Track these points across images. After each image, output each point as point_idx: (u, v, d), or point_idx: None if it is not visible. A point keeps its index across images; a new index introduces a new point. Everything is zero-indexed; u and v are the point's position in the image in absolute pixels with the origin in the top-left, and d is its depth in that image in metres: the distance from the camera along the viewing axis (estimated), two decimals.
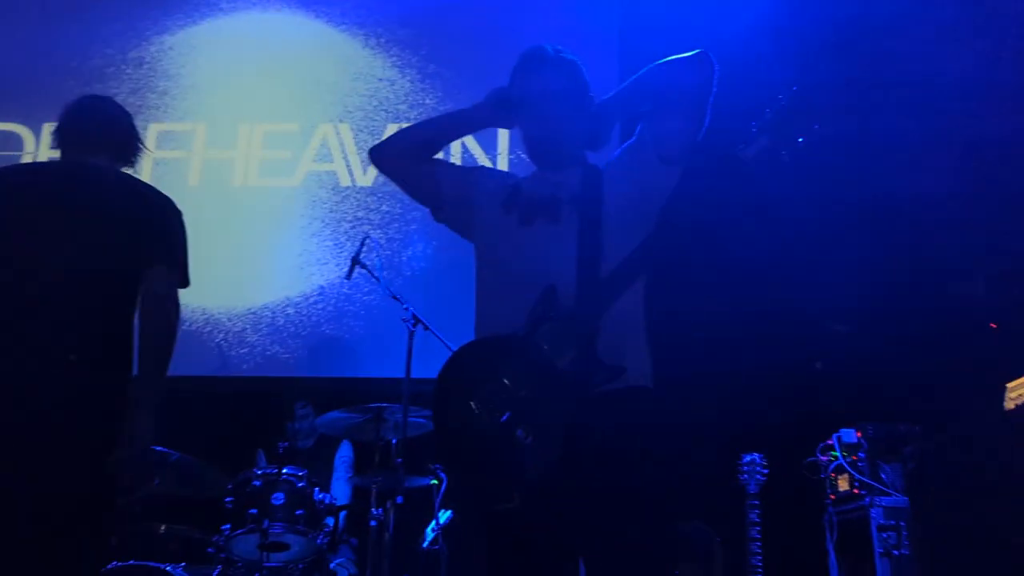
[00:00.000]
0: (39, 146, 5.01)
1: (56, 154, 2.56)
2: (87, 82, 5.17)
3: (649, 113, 2.07)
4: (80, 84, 5.16)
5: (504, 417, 1.79)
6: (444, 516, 3.79)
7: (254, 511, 3.46)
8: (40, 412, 2.13)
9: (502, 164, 4.85)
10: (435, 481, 3.75)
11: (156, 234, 2.43)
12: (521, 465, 1.77)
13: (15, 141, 5.09)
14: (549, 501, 1.81)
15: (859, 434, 3.70)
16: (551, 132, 2.08)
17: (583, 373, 1.83)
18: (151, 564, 3.24)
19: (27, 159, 5.01)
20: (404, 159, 2.20)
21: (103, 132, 2.54)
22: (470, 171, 2.29)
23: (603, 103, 2.14)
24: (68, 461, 2.13)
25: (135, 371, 2.31)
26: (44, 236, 2.31)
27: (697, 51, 2.02)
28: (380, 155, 2.23)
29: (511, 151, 4.83)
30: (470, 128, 2.30)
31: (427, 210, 2.24)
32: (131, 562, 3.24)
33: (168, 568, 3.22)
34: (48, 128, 5.08)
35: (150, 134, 5.12)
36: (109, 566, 3.22)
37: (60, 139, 2.53)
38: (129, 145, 2.58)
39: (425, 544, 3.84)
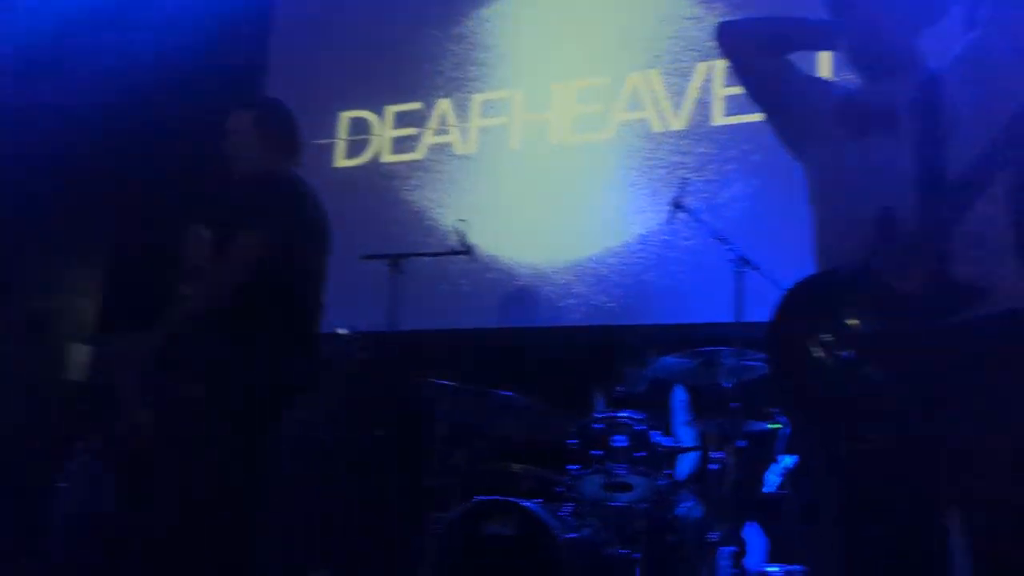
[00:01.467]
0: (384, 127, 5.58)
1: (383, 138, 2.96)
2: (418, 63, 5.65)
3: None
4: (413, 66, 5.66)
5: (847, 355, 1.70)
6: (789, 461, 3.70)
7: (598, 452, 3.63)
8: None
9: None
10: (776, 425, 3.66)
11: None
12: (872, 404, 1.68)
13: (363, 126, 5.73)
14: (913, 443, 1.68)
15: None
16: (875, 35, 1.88)
17: (934, 299, 1.66)
18: (512, 500, 3.49)
19: (376, 142, 5.63)
20: (754, 43, 2.06)
21: None
22: (813, 78, 2.12)
23: None
24: None
25: None
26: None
27: None
28: (730, 32, 2.10)
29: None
30: (821, 39, 2.09)
31: (744, 148, 2.16)
32: (495, 497, 3.53)
33: (527, 504, 3.46)
34: (391, 111, 5.66)
35: (473, 104, 5.48)
36: (474, 499, 3.55)
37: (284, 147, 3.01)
38: None
39: (766, 489, 3.77)
